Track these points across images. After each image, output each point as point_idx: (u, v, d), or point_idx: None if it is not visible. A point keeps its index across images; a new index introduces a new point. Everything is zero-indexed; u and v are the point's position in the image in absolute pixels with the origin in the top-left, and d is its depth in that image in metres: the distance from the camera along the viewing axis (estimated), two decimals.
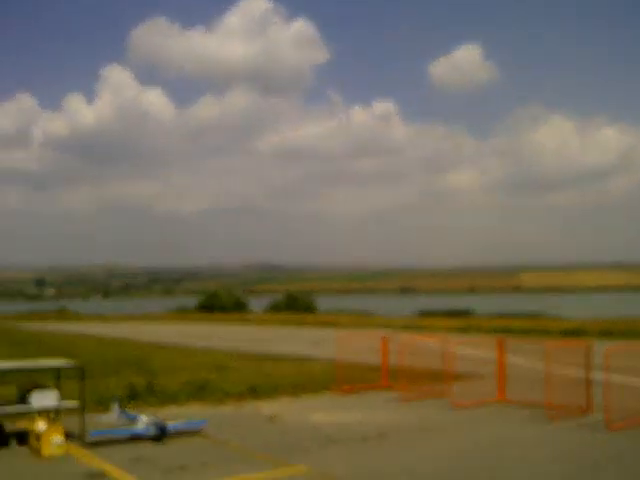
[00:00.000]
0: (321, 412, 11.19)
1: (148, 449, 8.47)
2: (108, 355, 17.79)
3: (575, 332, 29.53)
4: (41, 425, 8.10)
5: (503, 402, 12.09)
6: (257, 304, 77.89)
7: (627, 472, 7.55)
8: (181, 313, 67.51)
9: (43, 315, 62.07)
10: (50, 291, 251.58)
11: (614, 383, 10.33)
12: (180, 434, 9.14)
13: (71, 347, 21.01)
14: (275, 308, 69.91)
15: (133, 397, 11.67)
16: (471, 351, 17.26)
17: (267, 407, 11.64)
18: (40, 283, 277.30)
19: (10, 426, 9.07)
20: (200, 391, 12.73)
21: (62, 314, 64.92)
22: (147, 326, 44.17)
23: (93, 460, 7.84)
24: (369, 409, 11.71)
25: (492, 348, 14.33)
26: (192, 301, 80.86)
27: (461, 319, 47.80)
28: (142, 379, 13.04)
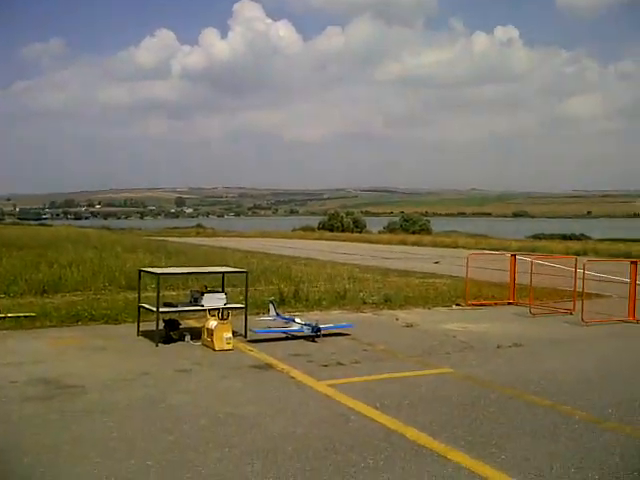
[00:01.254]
0: (454, 322, 11.31)
1: (304, 346, 8.98)
2: (252, 265, 18.64)
3: None
4: (213, 322, 8.75)
5: (635, 321, 11.70)
6: (374, 225, 78.26)
7: None
8: (306, 231, 69.05)
9: (183, 231, 65.57)
10: (189, 210, 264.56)
11: None
12: (330, 335, 9.60)
13: (219, 258, 22.23)
14: (391, 229, 70.09)
15: (282, 302, 12.27)
16: (596, 273, 16.61)
17: (403, 316, 11.91)
18: (180, 203, 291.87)
19: (185, 325, 9.90)
20: (340, 299, 13.21)
21: (200, 230, 68.18)
22: (277, 241, 45.72)
23: (258, 354, 8.42)
24: (499, 321, 11.70)
25: (618, 271, 13.80)
26: (314, 221, 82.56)
27: (576, 242, 45.89)
28: (288, 286, 13.69)
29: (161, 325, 9.08)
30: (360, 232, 70.21)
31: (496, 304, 13.79)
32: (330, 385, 6.91)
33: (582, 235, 61.52)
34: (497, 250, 29.88)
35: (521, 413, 6.12)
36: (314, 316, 10.92)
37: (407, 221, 71.87)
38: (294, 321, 9.84)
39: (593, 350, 9.41)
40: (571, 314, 12.34)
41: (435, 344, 9.36)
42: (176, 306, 9.52)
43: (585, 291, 12.43)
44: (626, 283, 12.54)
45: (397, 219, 76.77)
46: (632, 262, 12.78)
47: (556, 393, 6.80)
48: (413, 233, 62.34)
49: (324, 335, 9.41)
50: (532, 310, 12.61)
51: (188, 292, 10.39)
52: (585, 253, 33.09)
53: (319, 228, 72.35)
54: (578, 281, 12.41)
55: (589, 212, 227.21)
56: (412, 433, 5.45)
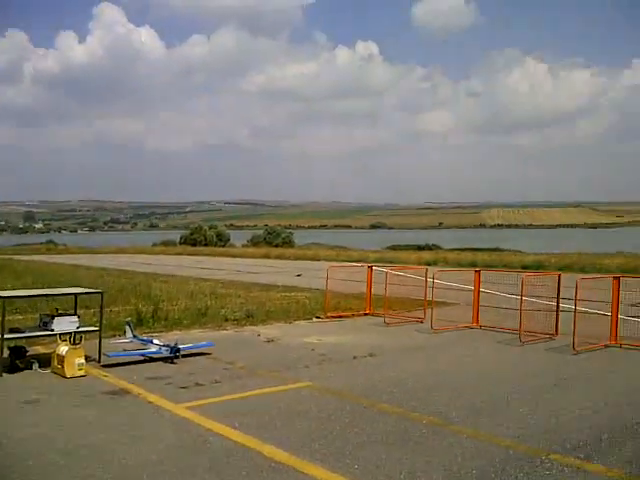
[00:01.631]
0: (313, 335, 11.59)
1: (162, 369, 8.79)
2: (108, 284, 17.95)
3: (535, 266, 30.36)
4: (64, 348, 8.33)
5: (478, 327, 12.63)
6: (238, 238, 78.12)
7: (589, 385, 8.07)
8: (167, 246, 67.44)
9: (33, 248, 61.60)
10: (38, 225, 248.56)
11: (578, 311, 10.82)
12: (190, 355, 9.47)
13: (71, 277, 21.15)
14: (255, 243, 70.34)
15: (139, 323, 11.91)
16: (444, 282, 17.72)
17: (264, 331, 12.01)
18: (29, 218, 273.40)
19: (33, 351, 9.33)
20: (201, 317, 13.07)
21: (51, 247, 64.40)
22: (136, 257, 44.26)
23: (113, 379, 8.13)
24: (356, 332, 12.16)
25: (465, 279, 14.86)
26: (176, 235, 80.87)
27: (429, 252, 48.62)
28: (146, 306, 13.31)
29: (6, 353, 8.50)
30: (224, 246, 69.82)
31: (354, 315, 14.31)
32: (189, 407, 6.84)
33: (434, 245, 65.23)
34: (357, 261, 30.95)
35: (374, 422, 6.41)
36: (174, 336, 10.74)
37: (271, 234, 72.47)
38: (152, 342, 9.60)
39: (441, 356, 10.04)
40: (422, 322, 13.10)
41: (295, 358, 9.55)
42: (23, 331, 8.94)
43: (435, 300, 13.22)
44: (472, 291, 13.50)
45: (261, 231, 77.18)
46: (476, 271, 13.80)
47: (407, 400, 7.20)
48: (277, 246, 63.01)
49: (184, 355, 9.27)
50: (386, 320, 13.24)
51: (37, 316, 9.81)
52: (436, 263, 35.16)
53: (181, 243, 71.02)
54: (429, 290, 13.17)
55: (441, 223, 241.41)
56: (270, 450, 5.54)
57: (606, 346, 10.60)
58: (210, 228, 76.13)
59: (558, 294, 11.67)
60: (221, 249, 60.19)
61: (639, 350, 10.37)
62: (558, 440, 5.87)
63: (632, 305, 15.32)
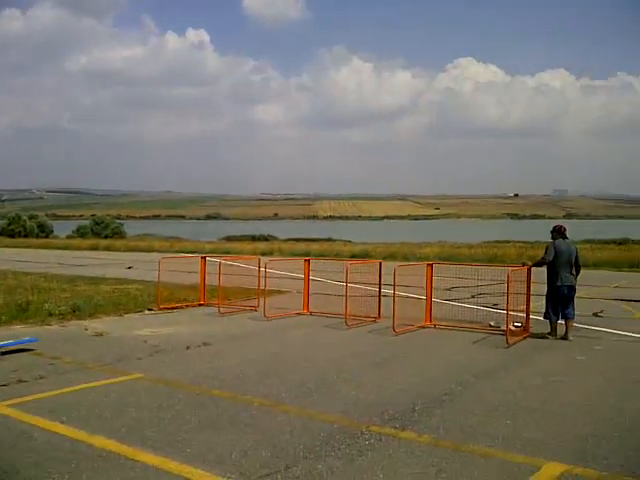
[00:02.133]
0: (145, 327, 11.44)
1: None
2: None
3: (363, 255, 32.10)
4: None
5: (308, 314, 13.20)
6: (62, 229, 73.70)
7: (406, 363, 8.85)
8: None
9: None
10: None
11: (399, 296, 11.74)
12: (12, 352, 8.95)
13: None
14: (81, 233, 66.84)
15: None
16: (278, 271, 18.23)
17: (93, 325, 11.63)
18: None
19: None
20: (22, 312, 12.31)
21: None
22: None
23: None
24: (190, 323, 12.18)
25: (297, 268, 15.42)
26: None
27: (264, 242, 49.41)
28: None
29: None
30: (47, 237, 65.62)
31: (187, 306, 14.28)
32: (10, 405, 6.52)
33: (270, 236, 66.27)
34: (191, 253, 30.67)
35: (206, 408, 6.56)
36: None
37: (99, 224, 69.07)
38: None
39: (273, 342, 10.41)
40: (256, 311, 13.43)
41: (126, 351, 9.39)
42: None
43: (268, 289, 13.59)
44: (303, 279, 14.05)
45: (88, 223, 73.28)
46: (305, 260, 14.39)
47: (239, 385, 7.44)
48: (106, 237, 60.35)
49: (4, 353, 8.75)
50: (221, 310, 13.39)
51: None
52: (272, 253, 35.83)
53: None
54: (262, 280, 13.51)
55: (276, 214, 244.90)
56: (100, 441, 5.49)
57: (422, 327, 11.61)
58: (30, 218, 71.00)
59: (380, 280, 12.55)
60: (43, 240, 56.53)
61: (450, 329, 11.48)
62: (378, 413, 6.41)
63: (447, 289, 16.89)
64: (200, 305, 14.50)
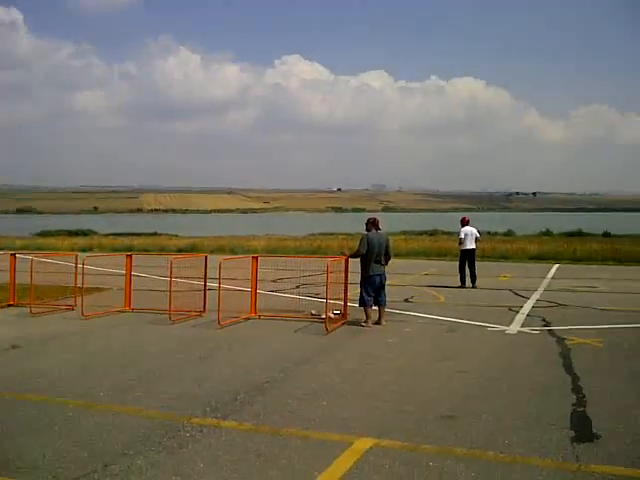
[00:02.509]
0: None
1: None
2: None
3: (190, 249, 31.74)
4: None
5: (130, 310, 12.84)
6: None
7: (230, 354, 9.00)
8: None
9: None
10: None
11: (224, 289, 11.84)
12: None
13: None
14: None
15: None
16: (98, 267, 17.52)
17: None
18: None
19: None
20: None
21: None
22: None
23: None
24: None
25: (119, 264, 14.91)
26: None
27: (83, 238, 46.94)
28: None
29: None
30: None
31: None
32: None
33: (89, 230, 62.92)
34: (4, 249, 28.30)
35: (17, 413, 6.21)
36: None
37: None
38: None
39: (91, 342, 10.02)
40: (73, 310, 12.80)
41: None
42: None
43: (86, 286, 13.01)
44: (124, 275, 13.62)
45: None
46: (127, 255, 13.96)
47: (53, 387, 7.12)
48: None
49: None
50: (33, 310, 12.58)
51: None
52: (91, 249, 34.20)
53: None
54: (80, 277, 12.89)
55: (96, 207, 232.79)
56: None
57: (247, 319, 11.83)
58: None
59: (205, 274, 12.57)
60: None
61: (274, 319, 11.81)
62: (200, 405, 6.49)
63: (272, 281, 17.30)
64: (9, 306, 13.50)
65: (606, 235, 43.25)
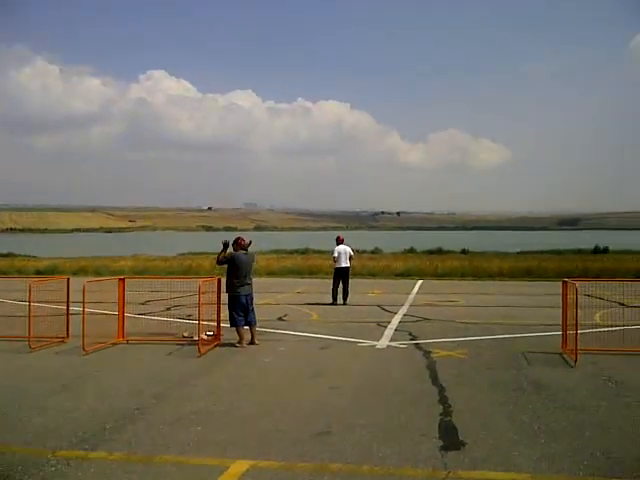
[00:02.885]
0: None
1: None
2: None
3: (50, 271, 29.97)
4: None
5: None
6: None
7: (97, 382, 8.58)
8: None
9: None
10: None
11: (89, 313, 11.28)
12: None
13: None
14: None
15: None
16: None
17: None
18: None
19: None
20: None
21: None
22: None
23: None
24: None
25: None
26: None
27: None
28: None
29: None
30: None
31: None
32: None
33: None
34: None
35: None
36: None
37: None
38: None
39: None
40: None
41: None
42: None
43: None
44: None
45: None
46: None
47: None
48: None
49: None
50: None
51: None
52: None
53: None
54: None
55: None
56: None
57: (114, 344, 11.34)
58: None
59: (68, 297, 11.92)
60: None
61: (143, 343, 11.41)
62: (66, 437, 6.14)
63: (141, 303, 16.74)
64: None
65: (464, 252, 45.99)
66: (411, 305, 17.36)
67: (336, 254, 17.93)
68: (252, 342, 11.27)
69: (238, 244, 11.60)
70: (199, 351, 10.39)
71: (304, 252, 49.11)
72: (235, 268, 11.26)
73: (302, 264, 31.42)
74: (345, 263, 17.91)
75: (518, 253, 45.67)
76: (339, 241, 18.11)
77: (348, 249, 18.09)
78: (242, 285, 11.30)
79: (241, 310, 11.26)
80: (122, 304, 11.90)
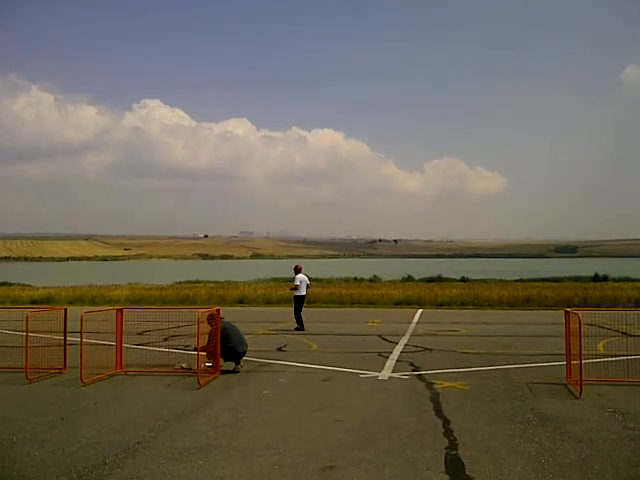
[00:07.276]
0: None
1: None
2: None
3: (46, 300, 29.83)
4: None
5: None
6: None
7: (96, 415, 8.48)
8: None
9: None
10: None
11: (87, 344, 11.18)
12: None
13: None
14: None
15: None
16: None
17: None
18: None
19: None
20: None
21: None
22: None
23: None
24: None
25: None
26: None
27: None
28: None
29: None
30: None
31: None
32: None
33: None
34: None
35: None
36: None
37: None
38: None
39: None
40: None
41: None
42: None
43: None
44: None
45: None
46: None
47: None
48: None
49: None
50: None
51: None
52: None
53: None
54: None
55: None
56: None
57: (112, 375, 11.24)
58: None
59: (65, 328, 11.83)
60: None
61: (142, 375, 11.31)
62: (65, 472, 6.05)
63: (139, 334, 16.65)
64: None
65: (463, 280, 45.99)
66: (412, 335, 17.28)
67: (298, 282, 19.01)
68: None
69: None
70: (198, 383, 10.30)
71: None
72: (227, 342, 11.55)
73: None
74: (304, 291, 19.10)
75: (517, 281, 45.71)
76: (298, 270, 19.18)
77: (306, 278, 19.38)
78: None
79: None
80: (120, 335, 11.81)
